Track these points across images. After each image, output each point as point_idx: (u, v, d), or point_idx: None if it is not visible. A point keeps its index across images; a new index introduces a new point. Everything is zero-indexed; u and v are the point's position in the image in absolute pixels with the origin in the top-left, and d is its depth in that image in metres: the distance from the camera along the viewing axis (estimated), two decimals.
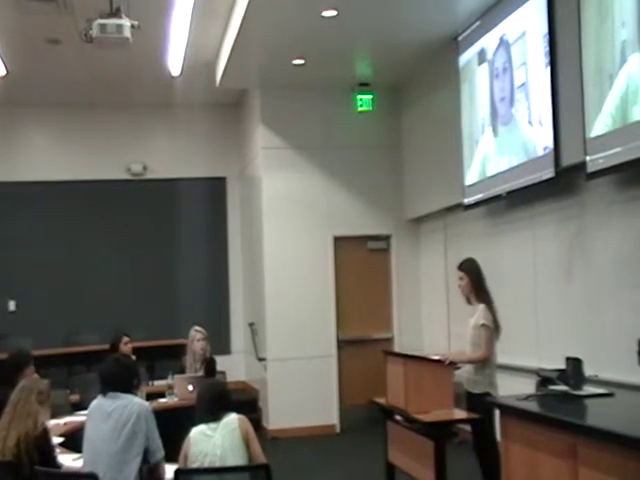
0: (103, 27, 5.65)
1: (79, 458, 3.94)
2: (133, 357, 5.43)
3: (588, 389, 3.91)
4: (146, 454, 3.66)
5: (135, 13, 5.82)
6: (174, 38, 7.70)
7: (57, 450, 4.06)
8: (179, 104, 9.80)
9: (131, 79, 9.03)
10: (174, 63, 8.38)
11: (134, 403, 3.73)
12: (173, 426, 3.98)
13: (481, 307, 5.17)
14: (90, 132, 10.06)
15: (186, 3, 6.85)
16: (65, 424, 5.23)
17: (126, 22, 5.69)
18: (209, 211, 10.42)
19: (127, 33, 5.70)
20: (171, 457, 3.78)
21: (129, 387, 3.81)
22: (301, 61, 7.94)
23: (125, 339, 6.87)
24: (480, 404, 4.82)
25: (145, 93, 9.57)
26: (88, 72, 8.61)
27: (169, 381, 6.22)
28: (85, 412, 4.01)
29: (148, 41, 7.34)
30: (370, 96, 8.88)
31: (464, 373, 5.25)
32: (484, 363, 5.11)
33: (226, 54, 7.79)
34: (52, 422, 4.70)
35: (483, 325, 5.09)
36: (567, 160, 5.61)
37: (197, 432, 3.68)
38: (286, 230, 8.82)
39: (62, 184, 9.90)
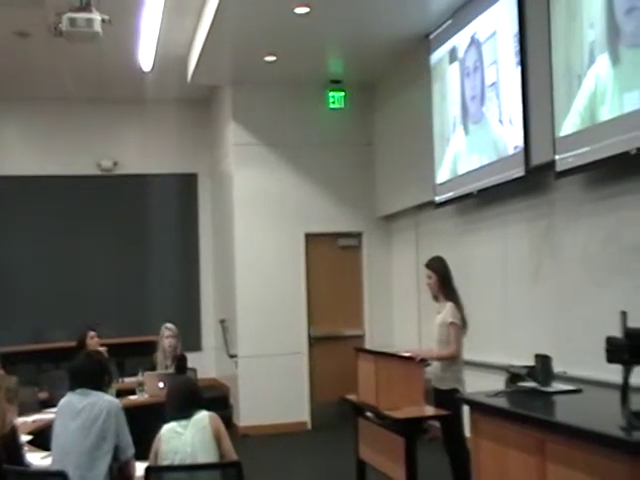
0: (73, 21, 5.58)
1: (48, 456, 3.90)
2: (105, 353, 5.37)
3: (557, 385, 3.94)
4: (116, 452, 3.63)
5: (106, 7, 5.75)
6: (145, 33, 7.64)
7: (25, 448, 4.02)
8: (150, 99, 9.72)
9: (102, 74, 8.92)
10: (145, 58, 8.31)
11: (104, 400, 3.70)
12: (143, 423, 3.96)
13: (449, 305, 5.21)
14: (60, 127, 9.94)
15: None
16: (33, 422, 5.18)
17: (96, 16, 5.63)
18: (180, 207, 10.35)
19: (97, 27, 5.64)
20: (141, 455, 3.76)
21: (99, 384, 3.78)
22: (273, 58, 7.92)
23: (91, 334, 6.82)
24: (448, 400, 4.86)
25: (116, 88, 9.47)
26: (58, 66, 8.50)
27: (139, 378, 6.19)
28: (54, 410, 3.97)
29: (119, 36, 7.26)
30: (342, 93, 8.91)
31: (432, 370, 5.29)
32: (452, 360, 5.16)
33: (198, 50, 7.75)
34: (20, 420, 4.65)
35: (452, 323, 5.14)
36: (537, 159, 5.67)
37: (168, 429, 3.66)
38: (257, 227, 8.80)
39: (30, 179, 9.77)
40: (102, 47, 6.86)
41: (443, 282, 5.29)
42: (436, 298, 5.37)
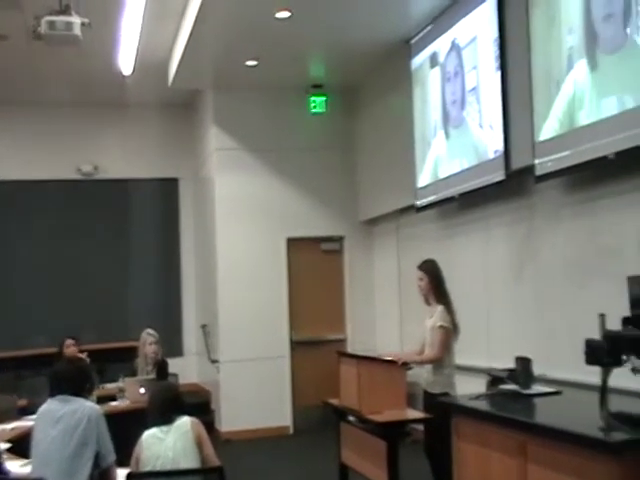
0: (52, 24, 5.55)
1: (27, 464, 3.87)
2: (87, 359, 5.35)
3: (537, 388, 3.98)
4: (97, 458, 3.61)
5: (85, 10, 5.73)
6: (126, 37, 7.62)
7: (4, 456, 3.98)
8: (131, 104, 9.69)
9: (82, 77, 8.87)
10: (126, 62, 8.29)
11: (85, 407, 3.68)
12: (124, 430, 3.95)
13: (440, 308, 5.19)
14: (40, 131, 9.86)
15: (138, 2, 6.78)
16: (12, 429, 5.13)
17: (76, 19, 5.60)
18: (161, 212, 10.32)
19: (77, 31, 5.61)
20: (123, 461, 3.74)
21: (80, 390, 3.76)
22: (254, 62, 7.92)
23: (68, 342, 6.77)
24: (436, 404, 4.87)
25: (96, 92, 9.42)
26: (37, 69, 8.45)
27: (120, 384, 6.16)
28: (33, 417, 3.94)
29: (99, 39, 7.23)
30: (323, 98, 8.92)
31: (424, 373, 5.29)
32: (441, 363, 5.13)
33: (179, 54, 7.73)
34: None
35: (441, 326, 5.11)
36: (517, 163, 5.71)
37: (149, 435, 3.65)
38: (239, 231, 8.79)
39: (10, 183, 9.69)
40: (82, 51, 6.82)
41: (435, 285, 5.27)
42: (427, 301, 5.34)
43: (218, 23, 6.83)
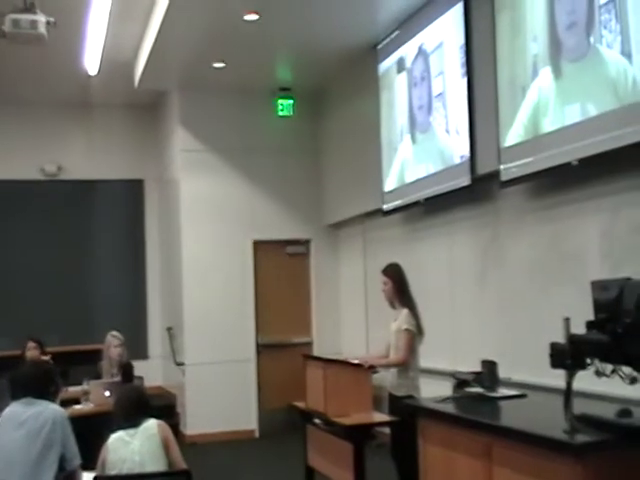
0: (16, 22, 5.46)
1: None
2: (50, 362, 5.28)
3: (502, 391, 4.02)
4: (62, 462, 3.58)
5: (51, 9, 5.65)
6: (91, 36, 7.53)
7: None
8: (96, 104, 9.57)
9: (46, 77, 8.73)
10: (91, 62, 8.18)
11: (49, 409, 3.64)
12: (89, 433, 3.91)
13: (404, 312, 5.22)
14: (3, 130, 9.65)
15: (104, 1, 6.71)
16: None
17: (41, 18, 5.51)
18: (127, 214, 10.20)
19: (42, 29, 5.53)
20: (88, 465, 3.71)
21: (45, 393, 3.72)
22: (222, 64, 7.90)
23: (30, 344, 6.68)
24: (401, 406, 4.89)
25: (61, 92, 9.29)
26: (1, 68, 8.30)
27: (84, 387, 6.09)
28: None
29: (64, 38, 7.13)
30: (290, 101, 8.93)
31: (389, 376, 5.31)
32: (406, 366, 5.16)
33: (145, 55, 7.67)
34: None
35: (406, 329, 5.14)
36: (482, 168, 5.77)
37: (115, 439, 3.62)
38: (205, 234, 8.75)
39: None
40: (47, 50, 6.73)
41: (399, 289, 5.30)
42: (392, 304, 5.36)
43: (185, 24, 6.79)
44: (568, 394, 3.08)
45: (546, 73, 4.90)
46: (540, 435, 3.03)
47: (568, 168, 4.67)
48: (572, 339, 3.06)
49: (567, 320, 3.07)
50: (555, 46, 4.82)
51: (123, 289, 9.99)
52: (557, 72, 4.80)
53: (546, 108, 4.90)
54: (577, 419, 3.04)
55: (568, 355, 3.05)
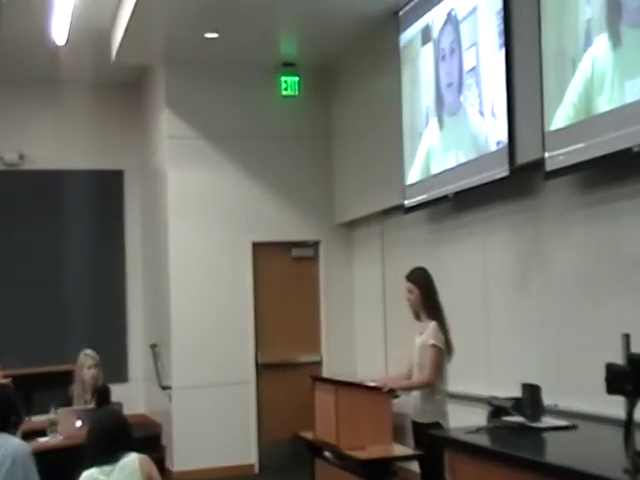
0: None
1: None
2: (11, 386, 5.28)
3: (547, 420, 4.00)
4: None
5: None
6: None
7: None
8: (65, 81, 9.57)
9: (5, 48, 8.71)
10: (58, 29, 8.13)
11: (9, 444, 3.63)
12: (57, 471, 3.90)
13: (432, 325, 5.22)
14: None
15: None
16: None
17: None
18: (103, 210, 10.23)
19: None
20: None
21: (4, 424, 3.70)
22: (215, 34, 7.91)
23: None
24: (427, 436, 4.86)
25: (23, 66, 9.32)
26: None
27: (51, 416, 6.08)
28: None
29: (26, 2, 7.13)
30: (296, 78, 8.96)
31: (411, 400, 5.29)
32: (432, 389, 5.16)
33: (124, 23, 7.68)
34: None
35: (433, 345, 5.14)
36: (523, 157, 5.74)
37: (88, 477, 3.60)
38: (196, 234, 8.77)
39: None
40: (6, 16, 6.73)
41: (426, 297, 5.30)
42: (417, 316, 5.36)
43: None
44: (629, 425, 3.03)
45: (602, 41, 4.84)
46: (594, 475, 2.99)
47: (628, 155, 4.62)
48: (632, 359, 3.02)
49: (626, 336, 3.04)
50: (614, 8, 4.76)
51: (99, 299, 10.01)
52: (616, 40, 4.74)
53: (602, 83, 4.85)
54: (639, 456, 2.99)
55: (628, 378, 3.01)
